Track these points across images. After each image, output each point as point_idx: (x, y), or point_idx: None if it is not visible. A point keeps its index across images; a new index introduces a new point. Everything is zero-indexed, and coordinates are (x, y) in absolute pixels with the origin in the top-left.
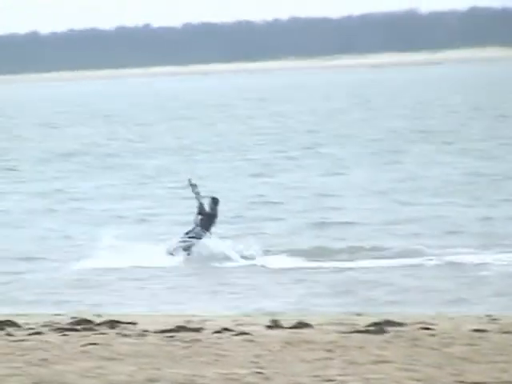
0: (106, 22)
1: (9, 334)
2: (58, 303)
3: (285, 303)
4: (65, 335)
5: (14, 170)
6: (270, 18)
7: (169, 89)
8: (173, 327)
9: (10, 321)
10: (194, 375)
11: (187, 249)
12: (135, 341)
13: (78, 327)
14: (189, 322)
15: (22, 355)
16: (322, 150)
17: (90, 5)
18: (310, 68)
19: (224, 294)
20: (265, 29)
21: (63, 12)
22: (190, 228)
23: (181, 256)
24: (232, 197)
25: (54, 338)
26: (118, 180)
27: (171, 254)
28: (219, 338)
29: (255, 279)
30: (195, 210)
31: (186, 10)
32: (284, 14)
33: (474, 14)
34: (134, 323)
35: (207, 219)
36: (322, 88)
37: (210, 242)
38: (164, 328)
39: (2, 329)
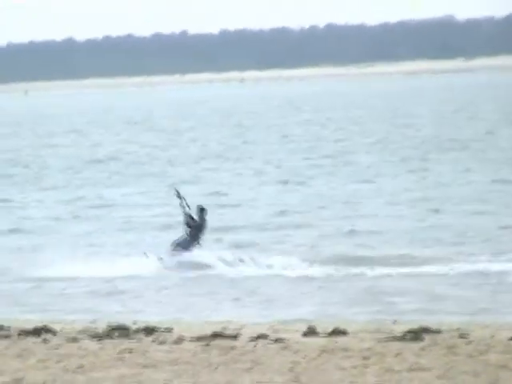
0: (143, 28)
1: (45, 341)
2: (90, 311)
3: (316, 311)
4: (101, 342)
5: (42, 177)
6: (306, 25)
7: (204, 96)
8: (209, 334)
9: (46, 327)
10: (230, 382)
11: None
12: (171, 348)
13: (114, 334)
14: (225, 328)
15: (59, 362)
16: (350, 157)
17: (127, 12)
18: (345, 75)
19: (252, 302)
20: (301, 36)
21: (99, 19)
22: (178, 236)
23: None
24: (259, 205)
25: (91, 344)
26: (144, 187)
27: (160, 259)
28: (255, 345)
29: (280, 287)
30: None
31: (223, 17)
32: (321, 21)
33: (510, 21)
34: (169, 330)
35: (195, 229)
36: (357, 95)
37: (194, 253)
38: (200, 335)
39: (39, 335)
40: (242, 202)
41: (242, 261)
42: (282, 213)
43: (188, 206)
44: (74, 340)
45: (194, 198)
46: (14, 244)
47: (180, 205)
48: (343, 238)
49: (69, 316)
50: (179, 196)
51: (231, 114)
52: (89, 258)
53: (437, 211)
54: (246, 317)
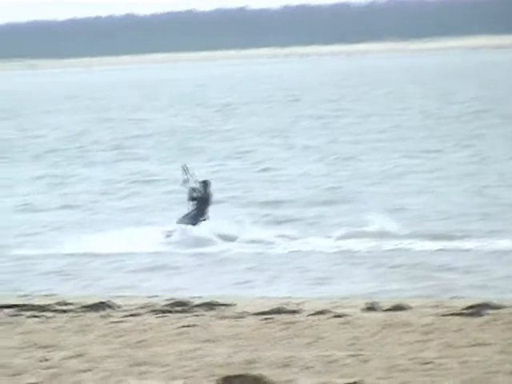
0: (204, 3)
1: (106, 316)
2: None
3: (372, 287)
4: (162, 317)
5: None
6: None
7: (264, 71)
8: (270, 309)
9: (107, 302)
10: (291, 357)
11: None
12: (233, 323)
13: (175, 309)
14: (285, 304)
15: (120, 337)
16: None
17: None
18: (407, 50)
19: (306, 278)
20: (363, 10)
21: None
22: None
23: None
24: (306, 183)
25: (152, 319)
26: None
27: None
28: (316, 321)
29: (332, 263)
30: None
31: None
32: None
33: None
34: (231, 305)
35: (201, 203)
36: (414, 70)
37: (196, 228)
38: (262, 310)
39: (100, 310)
40: (295, 178)
41: (287, 237)
42: (331, 188)
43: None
44: (135, 315)
45: (245, 173)
46: (68, 219)
47: (184, 181)
48: (395, 214)
49: (128, 291)
50: (186, 172)
51: (290, 89)
52: (132, 233)
53: (487, 187)
54: (304, 293)
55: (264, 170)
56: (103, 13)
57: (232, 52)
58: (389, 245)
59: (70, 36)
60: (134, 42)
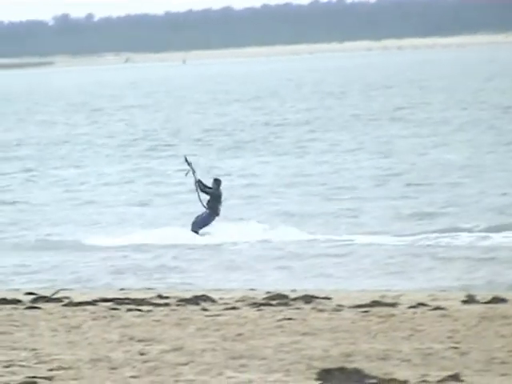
0: None
1: (204, 309)
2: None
3: (467, 279)
4: (260, 310)
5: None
6: None
7: (358, 63)
8: (367, 302)
9: (205, 296)
10: (389, 350)
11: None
12: (330, 316)
13: (273, 302)
14: (383, 297)
15: (218, 330)
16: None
17: None
18: (504, 43)
19: (403, 270)
20: (456, 3)
21: None
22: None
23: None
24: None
25: (250, 312)
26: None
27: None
28: (414, 313)
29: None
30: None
31: None
32: None
33: None
34: (328, 298)
35: (213, 201)
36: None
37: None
38: (359, 303)
39: (198, 303)
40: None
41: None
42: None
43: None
44: (233, 308)
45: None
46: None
47: (190, 172)
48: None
49: (226, 284)
50: (188, 163)
51: (389, 78)
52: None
53: None
54: (400, 285)
55: None
56: (199, 7)
57: (326, 45)
58: None
59: (165, 30)
60: (230, 36)
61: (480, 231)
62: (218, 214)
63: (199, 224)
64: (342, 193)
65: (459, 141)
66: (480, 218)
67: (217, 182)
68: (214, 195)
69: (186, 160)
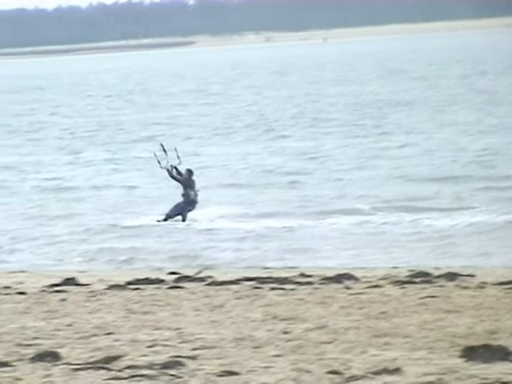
0: None
1: (347, 287)
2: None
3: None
4: (403, 288)
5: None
6: None
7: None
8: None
9: (348, 274)
10: None
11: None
12: (474, 293)
13: (417, 280)
14: None
15: (361, 308)
16: None
17: None
18: None
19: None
20: None
21: None
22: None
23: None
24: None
25: (393, 290)
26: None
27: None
28: None
29: None
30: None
31: None
32: None
33: None
34: (472, 275)
35: (186, 188)
36: None
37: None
38: (503, 280)
39: (341, 282)
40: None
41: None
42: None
43: (179, 158)
44: (376, 286)
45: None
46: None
47: (158, 159)
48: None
49: (368, 263)
50: (164, 150)
51: None
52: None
53: None
54: None
55: None
56: None
57: (464, 22)
58: None
59: (306, 9)
60: (369, 15)
61: None
62: (195, 201)
63: (173, 211)
64: None
65: None
66: None
67: (189, 171)
68: (183, 183)
69: (162, 147)
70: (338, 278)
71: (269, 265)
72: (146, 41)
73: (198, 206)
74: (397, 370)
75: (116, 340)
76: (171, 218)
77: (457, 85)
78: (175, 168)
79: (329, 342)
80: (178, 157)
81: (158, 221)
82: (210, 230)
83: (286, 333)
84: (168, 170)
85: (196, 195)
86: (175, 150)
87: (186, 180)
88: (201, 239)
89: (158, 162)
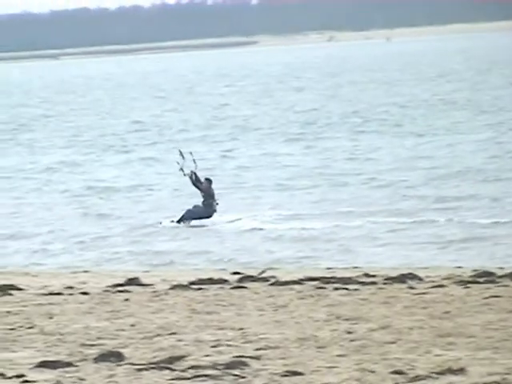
0: None
1: (411, 287)
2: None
3: None
4: (467, 288)
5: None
6: None
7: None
8: None
9: (412, 274)
10: None
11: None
12: None
13: (480, 280)
14: None
15: (424, 308)
16: None
17: None
18: None
19: None
20: None
21: None
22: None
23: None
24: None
25: (456, 290)
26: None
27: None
28: None
29: None
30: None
31: None
32: None
33: None
34: None
35: (208, 197)
36: None
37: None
38: None
39: (405, 282)
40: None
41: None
42: None
43: (195, 162)
44: (440, 286)
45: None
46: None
47: (181, 166)
48: None
49: (429, 262)
50: (182, 156)
51: None
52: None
53: None
54: None
55: None
56: None
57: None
58: None
59: (368, 8)
60: (433, 13)
61: None
62: (215, 211)
63: (190, 214)
64: None
65: None
66: None
67: (209, 181)
68: (204, 192)
69: (181, 153)
70: (402, 278)
71: (329, 265)
72: (209, 40)
73: (244, 209)
74: (461, 370)
75: (179, 340)
76: (187, 220)
77: None
78: (194, 174)
79: (392, 342)
80: (194, 161)
81: (172, 221)
82: (262, 230)
83: (349, 333)
84: (191, 177)
85: (216, 204)
86: (190, 154)
87: (206, 189)
88: (256, 240)
89: (181, 169)
